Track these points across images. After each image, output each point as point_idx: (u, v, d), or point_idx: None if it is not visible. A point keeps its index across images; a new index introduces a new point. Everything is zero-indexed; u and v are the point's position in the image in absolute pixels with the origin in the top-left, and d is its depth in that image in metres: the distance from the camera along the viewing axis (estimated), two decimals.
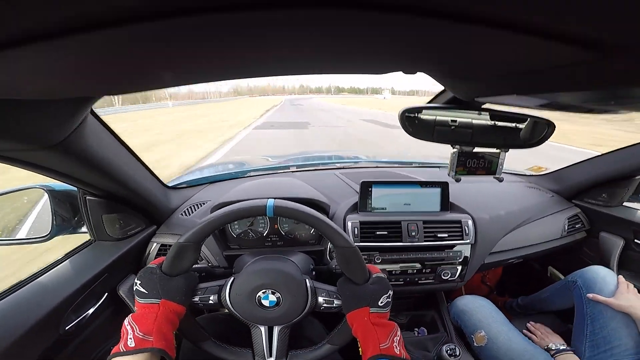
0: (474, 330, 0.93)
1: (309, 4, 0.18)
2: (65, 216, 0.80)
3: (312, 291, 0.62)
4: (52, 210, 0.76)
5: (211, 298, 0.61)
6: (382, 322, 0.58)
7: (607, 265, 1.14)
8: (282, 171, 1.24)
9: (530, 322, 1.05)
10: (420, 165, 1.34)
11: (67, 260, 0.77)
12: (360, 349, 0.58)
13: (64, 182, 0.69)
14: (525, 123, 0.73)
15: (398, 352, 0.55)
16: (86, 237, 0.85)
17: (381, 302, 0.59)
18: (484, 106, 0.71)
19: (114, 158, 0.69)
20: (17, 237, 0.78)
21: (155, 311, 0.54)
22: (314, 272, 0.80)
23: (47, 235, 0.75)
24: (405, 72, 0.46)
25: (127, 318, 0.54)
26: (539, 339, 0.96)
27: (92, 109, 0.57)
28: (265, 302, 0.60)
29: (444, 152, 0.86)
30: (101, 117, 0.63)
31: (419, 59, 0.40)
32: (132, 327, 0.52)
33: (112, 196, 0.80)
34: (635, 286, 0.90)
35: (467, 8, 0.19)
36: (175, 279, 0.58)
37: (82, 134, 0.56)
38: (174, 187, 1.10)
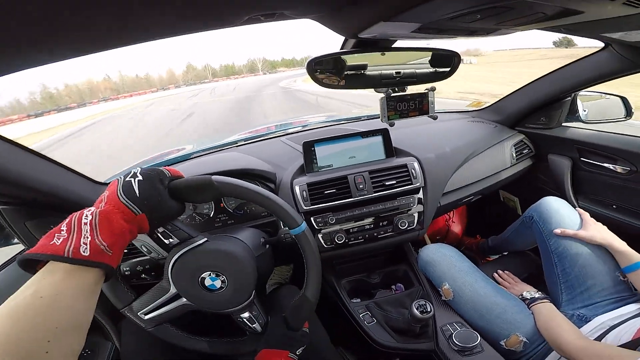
0: (440, 283, 0.89)
1: None
2: None
3: (248, 303, 0.60)
4: None
5: (171, 239, 0.54)
6: None
7: (561, 188, 1.16)
8: (227, 148, 1.17)
9: (497, 271, 1.01)
10: (364, 118, 1.31)
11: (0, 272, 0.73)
12: None
13: None
14: (431, 57, 0.74)
15: None
16: None
17: (298, 352, 0.61)
18: (392, 47, 0.71)
19: (8, 164, 0.63)
20: None
21: (128, 221, 0.42)
22: (266, 245, 0.75)
23: None
24: (264, 17, 0.42)
25: (85, 212, 0.40)
26: (509, 289, 0.91)
27: None
28: (208, 283, 0.56)
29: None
30: None
31: None
32: (92, 230, 0.38)
33: (27, 202, 0.74)
34: (593, 211, 0.90)
35: None
36: (172, 202, 0.49)
37: None
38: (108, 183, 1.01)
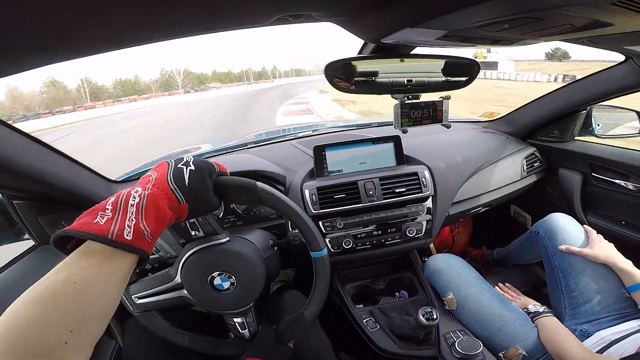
0: (444, 292, 0.89)
1: None
2: (2, 225, 0.78)
3: (245, 309, 0.60)
4: None
5: (198, 233, 0.55)
6: None
7: (570, 203, 1.15)
8: (238, 149, 1.18)
9: (498, 284, 1.01)
10: (375, 124, 1.31)
11: (10, 269, 0.72)
12: None
13: None
14: (450, 65, 0.73)
15: None
16: None
17: None
18: (411, 53, 0.72)
19: (21, 156, 0.63)
20: None
21: (172, 208, 0.40)
22: (275, 248, 0.75)
23: None
24: (292, 18, 0.42)
25: (132, 192, 0.38)
26: (512, 301, 0.90)
27: None
28: (217, 282, 0.56)
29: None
30: None
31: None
32: (138, 212, 0.36)
33: (42, 197, 0.74)
34: (601, 227, 0.89)
35: None
36: (215, 197, 0.49)
37: None
38: (123, 181, 1.02)
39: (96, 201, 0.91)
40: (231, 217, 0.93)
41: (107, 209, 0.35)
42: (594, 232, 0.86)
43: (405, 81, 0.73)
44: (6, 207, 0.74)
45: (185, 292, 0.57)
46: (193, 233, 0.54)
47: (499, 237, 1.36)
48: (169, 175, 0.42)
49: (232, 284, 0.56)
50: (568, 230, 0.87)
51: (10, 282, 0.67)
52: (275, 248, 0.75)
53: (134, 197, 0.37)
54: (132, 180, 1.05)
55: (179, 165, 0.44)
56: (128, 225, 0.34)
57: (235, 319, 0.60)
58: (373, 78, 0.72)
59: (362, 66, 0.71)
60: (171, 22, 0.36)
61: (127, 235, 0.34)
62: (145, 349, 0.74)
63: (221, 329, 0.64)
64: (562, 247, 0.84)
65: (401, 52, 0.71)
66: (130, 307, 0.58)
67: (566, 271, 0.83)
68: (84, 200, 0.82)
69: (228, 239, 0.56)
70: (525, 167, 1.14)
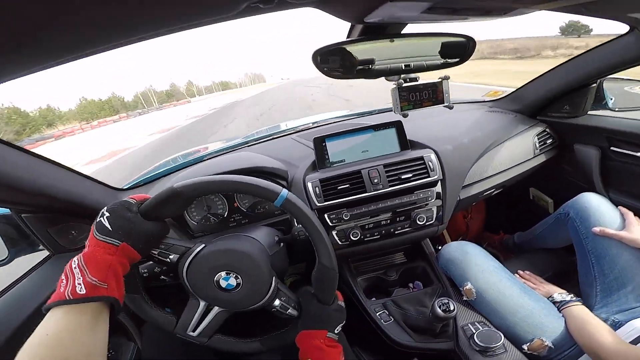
0: (462, 282, 0.85)
1: None
2: (15, 237, 0.78)
3: (274, 291, 0.58)
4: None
5: (171, 256, 0.55)
6: (334, 344, 0.59)
7: (590, 179, 1.09)
8: (239, 148, 1.17)
9: (518, 272, 0.96)
10: (375, 112, 1.28)
11: (27, 278, 0.74)
12: None
13: None
14: (444, 42, 0.71)
15: None
16: None
17: (337, 330, 0.60)
18: (402, 32, 0.69)
19: (25, 173, 0.65)
20: None
21: (112, 254, 0.46)
22: (281, 244, 0.73)
23: (4, 259, 0.75)
24: (266, 7, 0.39)
25: (74, 259, 0.45)
26: (535, 289, 0.85)
27: None
28: (224, 283, 0.55)
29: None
30: None
31: None
32: (81, 270, 0.43)
33: (48, 209, 0.76)
34: (625, 204, 0.83)
35: None
36: (149, 224, 0.51)
37: None
38: (130, 188, 1.04)
39: (95, 207, 0.91)
40: (236, 215, 0.92)
41: (62, 279, 0.43)
42: (631, 214, 0.80)
43: (400, 64, 0.71)
44: (16, 221, 0.75)
45: (216, 307, 0.58)
46: (169, 260, 0.55)
47: (518, 221, 1.31)
48: (94, 232, 0.48)
49: (237, 280, 0.55)
50: (602, 211, 0.82)
51: (28, 291, 0.69)
52: (282, 244, 0.74)
53: (74, 262, 0.44)
54: (138, 187, 1.05)
55: (98, 219, 0.49)
56: (78, 284, 0.41)
57: (274, 304, 0.59)
58: (365, 62, 0.69)
59: (351, 50, 0.68)
60: (129, 23, 0.33)
61: (79, 291, 0.41)
62: (164, 351, 0.74)
63: (280, 320, 0.63)
64: (597, 229, 0.78)
65: (390, 31, 0.68)
66: (197, 342, 0.59)
67: (600, 255, 0.78)
68: (91, 209, 0.83)
69: (203, 245, 0.57)
70: (537, 145, 1.08)
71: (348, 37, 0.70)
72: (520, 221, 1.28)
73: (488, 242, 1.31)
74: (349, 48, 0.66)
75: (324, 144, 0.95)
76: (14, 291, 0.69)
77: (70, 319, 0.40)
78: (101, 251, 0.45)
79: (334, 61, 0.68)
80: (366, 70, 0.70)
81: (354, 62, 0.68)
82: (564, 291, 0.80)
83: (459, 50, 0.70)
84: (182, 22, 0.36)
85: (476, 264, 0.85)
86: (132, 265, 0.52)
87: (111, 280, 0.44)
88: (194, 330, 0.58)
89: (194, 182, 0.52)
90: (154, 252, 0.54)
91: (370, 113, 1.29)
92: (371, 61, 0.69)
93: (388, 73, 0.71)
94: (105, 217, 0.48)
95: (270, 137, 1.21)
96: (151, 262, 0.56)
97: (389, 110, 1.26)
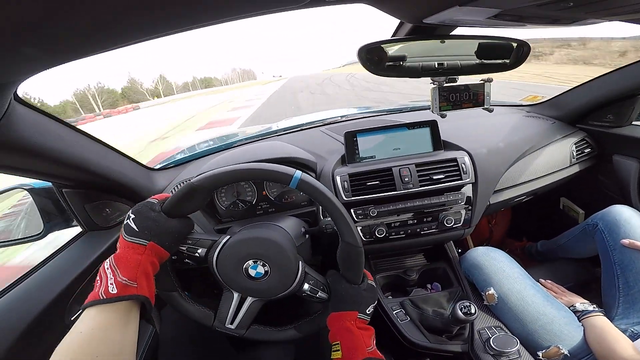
0: (484, 287, 0.84)
1: None
2: (54, 212, 0.79)
3: (301, 275, 0.58)
4: (38, 208, 0.76)
5: (199, 251, 0.56)
6: (366, 327, 0.57)
7: (626, 192, 1.05)
8: (268, 137, 1.18)
9: (540, 280, 0.94)
10: (408, 109, 1.26)
11: (61, 254, 0.76)
12: (336, 352, 0.54)
13: (24, 176, 0.68)
14: (497, 46, 0.68)
15: (380, 355, 0.55)
16: None
17: (368, 310, 0.58)
18: (452, 34, 0.67)
19: (67, 147, 0.66)
20: (13, 238, 0.80)
21: (141, 253, 0.47)
22: (307, 235, 0.74)
23: (40, 233, 0.76)
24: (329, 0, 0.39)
25: (107, 260, 0.47)
26: (557, 298, 0.84)
27: (19, 98, 0.54)
28: (252, 272, 0.56)
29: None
30: None
31: None
32: (113, 271, 0.45)
33: (88, 185, 0.78)
34: None
35: None
36: (172, 221, 0.52)
37: (11, 125, 0.53)
38: (161, 169, 1.06)
39: (137, 188, 0.93)
40: (264, 204, 0.94)
41: (97, 280, 0.45)
42: None
43: (445, 64, 0.69)
44: (56, 195, 0.78)
45: (250, 298, 0.59)
46: (197, 254, 0.56)
47: (543, 229, 1.27)
48: (123, 234, 0.50)
49: (264, 267, 0.56)
50: (633, 224, 0.80)
51: (62, 268, 0.71)
52: (307, 236, 0.74)
53: (107, 263, 0.47)
54: (168, 169, 1.08)
55: (125, 222, 0.51)
56: (110, 284, 0.44)
57: (303, 289, 0.59)
58: (409, 61, 0.68)
59: (398, 49, 0.67)
60: (191, 9, 0.33)
61: (112, 290, 0.43)
62: (180, 335, 0.76)
63: (277, 317, 0.65)
64: (626, 241, 0.78)
65: (440, 32, 0.66)
66: (236, 334, 0.60)
67: (626, 267, 0.77)
68: (126, 187, 0.86)
69: (228, 236, 0.58)
70: (575, 154, 1.04)
71: (394, 34, 0.69)
72: (545, 230, 1.25)
73: (510, 248, 1.29)
74: (395, 45, 0.65)
75: (355, 138, 0.94)
76: (49, 266, 0.71)
77: (103, 318, 0.42)
78: (130, 252, 0.47)
79: (380, 58, 0.66)
80: (407, 66, 0.68)
81: (400, 60, 0.67)
82: (586, 301, 0.80)
83: (510, 54, 0.68)
84: (249, 10, 0.36)
85: (502, 270, 0.84)
86: (164, 263, 0.54)
87: (141, 279, 0.46)
88: (231, 323, 0.59)
89: (210, 174, 0.53)
90: (182, 247, 0.56)
91: (401, 110, 1.26)
92: (410, 56, 0.67)
93: (434, 73, 0.69)
94: (131, 219, 0.50)
95: (300, 128, 1.20)
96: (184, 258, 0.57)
97: (422, 108, 1.23)
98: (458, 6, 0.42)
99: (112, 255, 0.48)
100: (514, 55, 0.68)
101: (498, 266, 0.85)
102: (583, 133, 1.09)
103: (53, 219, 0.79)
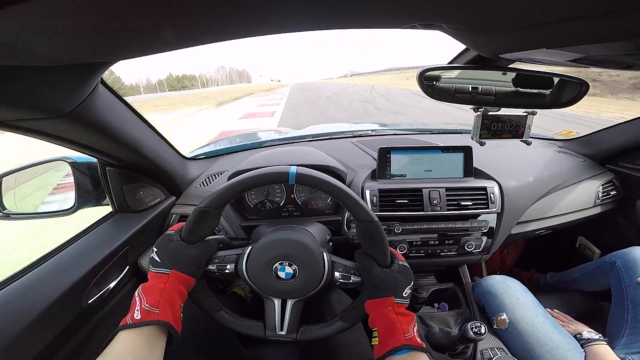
0: (495, 312, 0.87)
1: None
2: (88, 188, 0.79)
3: (329, 265, 0.59)
4: (75, 183, 0.76)
5: (228, 267, 0.58)
6: (404, 312, 0.54)
7: None
8: (298, 141, 1.20)
9: (547, 310, 0.96)
10: (441, 131, 1.27)
11: (90, 233, 0.77)
12: (375, 339, 0.53)
13: (80, 151, 0.69)
14: (556, 83, 0.68)
15: (419, 342, 0.52)
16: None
17: (405, 293, 0.55)
18: (510, 65, 0.67)
19: (128, 128, 0.69)
20: (42, 211, 0.80)
21: (164, 282, 0.51)
22: (330, 243, 0.76)
23: (71, 208, 0.76)
24: (421, 26, 0.41)
25: (138, 288, 0.51)
26: (564, 326, 0.88)
27: (102, 80, 0.57)
28: (282, 274, 0.57)
29: (465, 119, 0.80)
30: None
31: (439, 7, 0.35)
32: (140, 298, 0.49)
33: (131, 166, 0.80)
34: None
35: None
36: (191, 248, 0.55)
37: (93, 103, 0.56)
38: (193, 159, 1.09)
39: (174, 174, 0.95)
40: (290, 206, 0.96)
41: (131, 306, 0.49)
42: None
43: (500, 95, 0.70)
44: (97, 172, 0.79)
45: (290, 301, 0.59)
46: (227, 271, 0.59)
47: (554, 262, 1.30)
48: (150, 267, 0.54)
49: (294, 270, 0.57)
50: None
51: (92, 246, 0.72)
52: (331, 244, 0.76)
53: (137, 291, 0.51)
54: (199, 159, 1.11)
55: (150, 255, 0.55)
56: (136, 310, 0.48)
57: (335, 277, 0.59)
58: (463, 88, 0.68)
59: (454, 74, 0.69)
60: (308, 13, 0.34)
61: (136, 316, 0.47)
62: (195, 330, 0.77)
63: (258, 313, 0.64)
64: None
65: (501, 63, 0.67)
66: (290, 339, 0.60)
67: (637, 303, 0.81)
68: (166, 173, 0.88)
69: (250, 247, 0.60)
70: (600, 195, 1.06)
71: (455, 59, 0.70)
72: (555, 263, 1.27)
73: (517, 277, 1.32)
74: (456, 72, 0.67)
75: (388, 155, 0.96)
76: (77, 244, 0.72)
77: (129, 341, 0.46)
78: (155, 281, 0.51)
79: (440, 82, 0.67)
80: (464, 96, 0.69)
81: (454, 86, 0.68)
82: (593, 331, 0.84)
83: (569, 92, 0.68)
84: (347, 23, 0.37)
85: (517, 298, 0.87)
86: (202, 287, 0.58)
87: (164, 306, 0.48)
88: (282, 329, 0.60)
89: (214, 195, 0.55)
90: (211, 268, 0.58)
91: (431, 131, 1.27)
92: (477, 89, 0.68)
93: (487, 103, 0.70)
94: (154, 252, 0.54)
95: (330, 137, 1.22)
96: (218, 277, 0.58)
97: (458, 131, 1.25)
98: (545, 49, 0.43)
99: (141, 285, 0.52)
100: (572, 93, 0.68)
101: (513, 295, 0.88)
102: (611, 174, 1.10)
103: (86, 195, 0.79)
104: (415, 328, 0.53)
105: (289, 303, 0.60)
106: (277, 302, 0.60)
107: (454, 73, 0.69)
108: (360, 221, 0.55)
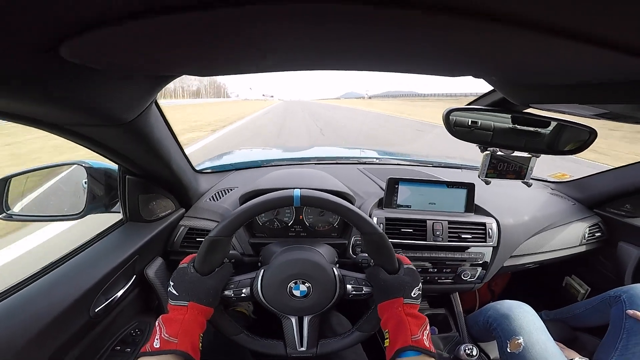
0: (510, 336, 0.89)
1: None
2: (99, 194, 0.79)
3: (340, 279, 0.62)
4: (88, 188, 0.75)
5: (244, 291, 0.61)
6: (415, 314, 0.56)
7: (621, 276, 1.15)
8: (305, 162, 1.24)
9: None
10: (443, 165, 1.34)
11: (101, 240, 0.77)
12: (386, 340, 0.55)
13: (110, 158, 0.69)
14: (566, 129, 0.72)
15: (427, 346, 0.52)
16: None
17: (414, 294, 0.57)
18: (526, 110, 0.70)
19: (165, 140, 0.71)
20: (50, 214, 0.79)
21: (183, 313, 0.54)
22: (337, 265, 0.80)
23: (80, 213, 0.75)
24: (475, 77, 0.45)
25: (158, 318, 0.54)
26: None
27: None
28: (296, 292, 0.60)
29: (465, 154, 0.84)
30: None
31: (492, 65, 0.39)
32: (160, 328, 0.52)
33: (150, 176, 0.80)
34: None
35: (543, 16, 0.20)
36: (205, 279, 0.57)
37: (147, 116, 0.58)
38: (201, 172, 1.10)
39: (188, 187, 0.97)
40: (298, 227, 0.99)
41: (151, 336, 0.52)
42: None
43: (515, 140, 0.72)
44: (112, 179, 0.79)
45: (306, 317, 0.61)
46: (243, 295, 0.61)
47: (537, 294, 1.37)
48: (169, 300, 0.57)
49: (308, 287, 0.59)
50: None
51: (102, 255, 0.72)
52: (337, 265, 0.81)
53: (157, 321, 0.54)
54: (209, 173, 1.13)
55: (169, 290, 0.58)
56: (156, 339, 0.51)
57: (348, 289, 0.61)
58: (482, 130, 0.72)
59: (482, 117, 0.72)
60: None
61: (155, 345, 0.50)
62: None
63: (263, 330, 0.67)
64: (630, 312, 0.87)
65: (520, 108, 0.69)
66: (311, 354, 0.62)
67: (633, 333, 0.85)
68: (182, 185, 0.90)
69: (263, 270, 0.62)
70: (586, 235, 1.14)
71: (478, 100, 0.74)
72: (537, 296, 1.33)
73: None
74: (482, 115, 0.70)
75: (397, 185, 1.02)
76: (87, 252, 0.72)
77: None
78: (175, 313, 0.54)
79: (461, 122, 0.71)
80: (482, 137, 0.72)
81: (479, 128, 0.71)
82: (585, 358, 0.89)
83: (577, 139, 0.71)
84: (406, 68, 0.39)
85: (533, 322, 0.90)
86: (221, 313, 0.60)
87: (183, 336, 0.51)
88: (302, 346, 0.62)
89: (224, 224, 0.58)
90: (227, 293, 0.60)
91: (432, 164, 1.34)
92: (493, 132, 0.71)
93: (502, 146, 0.73)
94: (172, 286, 0.57)
95: (336, 162, 1.26)
96: (235, 302, 0.61)
97: (458, 166, 1.32)
98: (578, 104, 0.45)
99: (161, 315, 0.55)
100: (580, 141, 0.71)
101: (530, 318, 0.91)
102: (598, 218, 1.18)
103: (96, 201, 0.78)
104: (426, 332, 0.54)
105: (306, 320, 0.62)
106: (294, 320, 0.62)
107: (477, 115, 0.71)
108: (366, 234, 0.59)
